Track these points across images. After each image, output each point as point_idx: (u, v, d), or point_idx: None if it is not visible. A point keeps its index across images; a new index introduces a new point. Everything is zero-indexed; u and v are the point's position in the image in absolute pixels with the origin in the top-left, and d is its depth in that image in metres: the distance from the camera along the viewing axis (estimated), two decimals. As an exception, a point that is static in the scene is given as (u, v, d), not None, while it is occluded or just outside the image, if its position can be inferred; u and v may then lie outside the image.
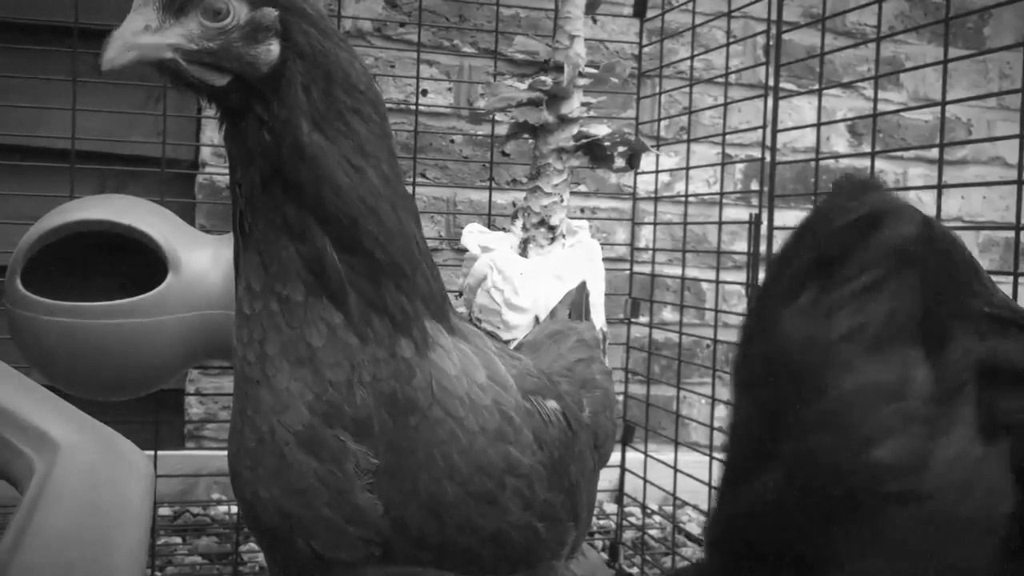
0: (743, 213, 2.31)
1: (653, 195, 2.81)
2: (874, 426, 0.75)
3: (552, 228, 2.13)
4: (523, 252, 2.12)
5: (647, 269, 2.74)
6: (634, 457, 2.65)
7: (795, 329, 0.79)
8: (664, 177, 2.93)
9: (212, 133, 2.70)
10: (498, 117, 2.45)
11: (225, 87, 1.13)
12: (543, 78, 2.12)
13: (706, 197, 3.00)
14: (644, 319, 2.73)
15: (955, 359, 0.81)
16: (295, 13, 1.13)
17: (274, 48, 1.12)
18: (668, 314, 3.08)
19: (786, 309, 0.80)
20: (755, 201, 2.70)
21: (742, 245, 2.59)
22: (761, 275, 2.11)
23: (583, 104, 2.16)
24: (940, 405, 0.78)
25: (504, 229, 2.21)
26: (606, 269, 2.20)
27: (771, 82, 2.09)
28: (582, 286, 1.87)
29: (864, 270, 0.78)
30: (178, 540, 2.55)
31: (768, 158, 2.12)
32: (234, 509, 2.62)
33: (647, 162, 2.66)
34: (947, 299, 0.98)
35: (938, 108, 1.68)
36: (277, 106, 1.12)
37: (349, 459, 1.10)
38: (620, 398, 2.71)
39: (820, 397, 0.77)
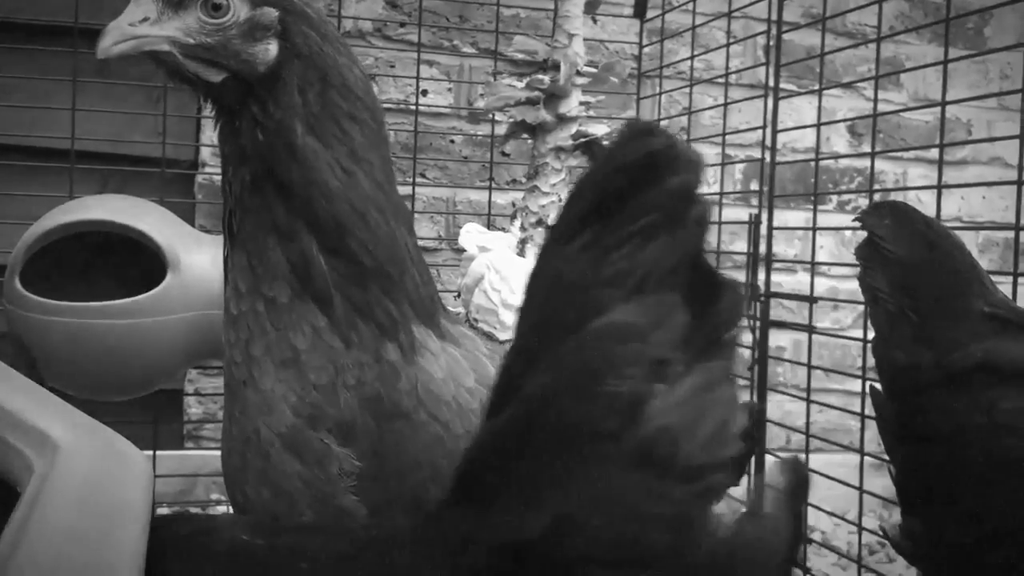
0: (743, 213, 2.30)
1: (653, 195, 2.81)
2: (604, 364, 0.74)
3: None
4: (521, 252, 2.12)
5: (647, 269, 2.74)
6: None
7: (563, 272, 0.78)
8: (664, 177, 2.93)
9: (212, 133, 2.68)
10: (497, 116, 2.45)
11: (221, 84, 1.13)
12: (540, 76, 2.12)
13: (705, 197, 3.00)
14: (644, 319, 2.73)
15: (722, 311, 0.80)
16: (296, 15, 1.13)
17: (272, 48, 1.12)
18: (668, 314, 3.07)
19: (560, 250, 0.79)
20: (755, 201, 2.70)
21: (742, 245, 2.59)
22: (761, 275, 2.10)
23: (582, 104, 2.16)
24: (693, 353, 0.77)
25: (504, 229, 2.21)
26: (606, 269, 2.19)
27: (771, 82, 2.09)
28: None
29: (640, 216, 0.76)
30: (177, 540, 2.55)
31: (768, 158, 2.12)
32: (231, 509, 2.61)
33: (647, 162, 2.66)
34: (947, 298, 0.98)
35: (938, 108, 1.68)
36: (272, 106, 1.11)
37: (333, 462, 1.10)
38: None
39: (568, 338, 0.76)
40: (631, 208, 0.76)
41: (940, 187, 1.72)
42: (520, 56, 2.45)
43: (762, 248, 2.11)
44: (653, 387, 0.74)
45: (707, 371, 0.77)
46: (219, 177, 2.77)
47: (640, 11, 2.70)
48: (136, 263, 1.89)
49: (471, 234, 2.12)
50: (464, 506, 0.82)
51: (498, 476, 0.79)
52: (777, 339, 2.98)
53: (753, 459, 2.10)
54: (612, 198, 0.77)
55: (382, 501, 1.10)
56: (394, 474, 1.11)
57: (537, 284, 0.82)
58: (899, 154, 3.26)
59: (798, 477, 0.82)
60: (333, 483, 1.10)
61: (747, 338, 2.15)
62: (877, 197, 2.95)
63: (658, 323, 0.75)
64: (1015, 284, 1.50)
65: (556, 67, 2.10)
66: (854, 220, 1.40)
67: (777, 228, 2.12)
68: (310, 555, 0.85)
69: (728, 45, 2.41)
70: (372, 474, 1.10)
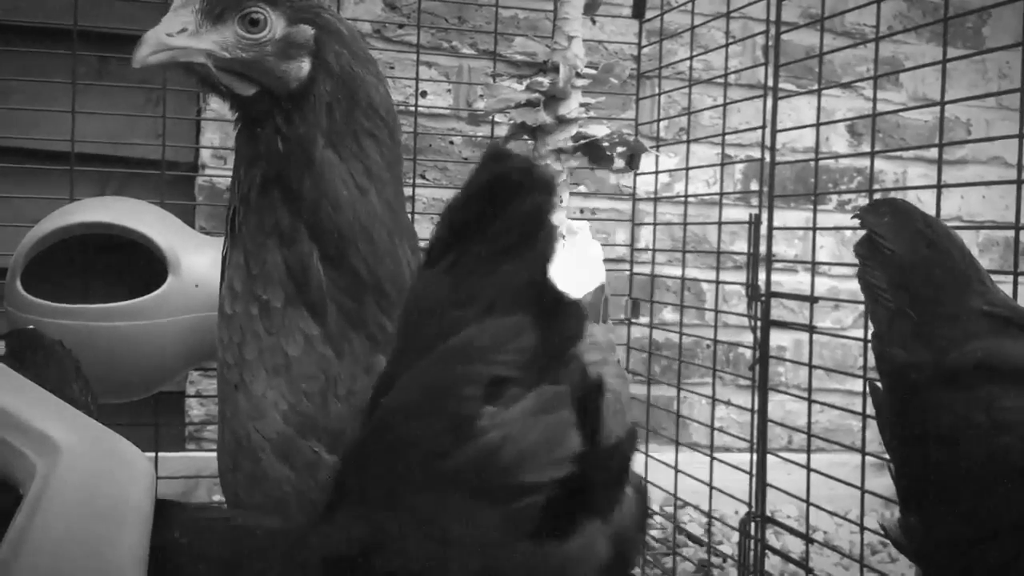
0: (743, 213, 2.31)
1: (653, 196, 2.81)
2: (446, 383, 0.77)
3: (552, 229, 2.12)
4: (523, 253, 2.12)
5: (647, 270, 2.74)
6: (635, 458, 2.64)
7: (423, 294, 0.81)
8: (664, 178, 2.93)
9: (212, 135, 2.70)
10: (497, 118, 2.46)
11: (251, 97, 1.13)
12: (540, 79, 2.12)
13: (706, 197, 3.00)
14: (644, 319, 2.74)
15: (563, 330, 0.81)
16: (330, 33, 1.13)
17: (305, 66, 1.12)
18: (668, 314, 3.08)
19: (424, 273, 0.82)
20: (755, 201, 2.70)
21: (742, 245, 2.59)
22: (761, 275, 2.11)
23: (582, 105, 2.16)
24: (536, 373, 0.78)
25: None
26: (606, 270, 2.20)
27: (770, 82, 2.09)
28: (600, 288, 1.85)
29: (496, 238, 0.78)
30: (179, 542, 2.55)
31: (767, 158, 2.12)
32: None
33: (646, 163, 2.66)
34: (946, 296, 0.99)
35: (937, 108, 1.68)
36: (298, 120, 1.12)
37: (323, 470, 1.10)
38: (620, 399, 2.71)
39: (422, 358, 0.78)
40: (489, 231, 0.79)
41: (940, 186, 1.72)
42: (519, 57, 2.46)
43: (762, 248, 2.12)
44: (484, 407, 0.76)
45: (544, 394, 0.78)
46: (219, 179, 2.78)
47: (639, 11, 2.70)
48: (137, 265, 1.89)
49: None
50: (321, 519, 0.87)
51: (342, 490, 0.84)
52: (778, 339, 2.98)
53: (756, 460, 2.11)
54: (472, 221, 0.80)
55: None
56: None
57: (405, 307, 0.86)
58: (898, 154, 3.26)
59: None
60: (323, 491, 1.10)
61: (748, 338, 2.15)
62: (877, 196, 2.95)
63: (502, 343, 0.77)
64: (1015, 283, 1.50)
65: (555, 69, 2.10)
66: (853, 218, 1.40)
67: (777, 228, 2.12)
68: (205, 553, 0.92)
69: (727, 45, 2.42)
70: None
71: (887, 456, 1.32)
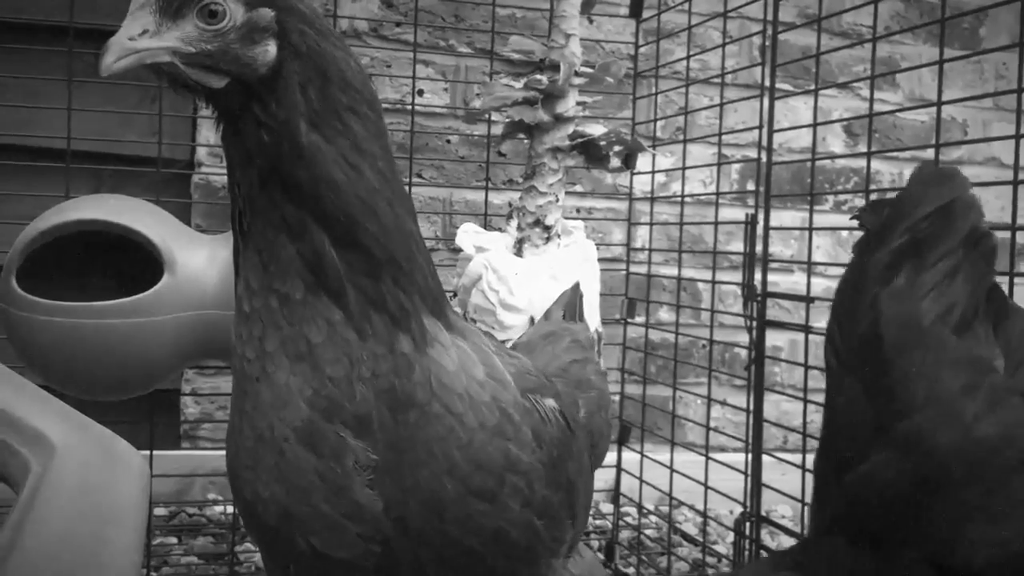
0: (739, 213, 2.31)
1: (649, 195, 2.81)
2: (975, 401, 0.81)
3: (547, 228, 2.13)
4: (518, 252, 2.12)
5: (643, 269, 2.74)
6: (630, 457, 2.65)
7: (892, 310, 0.87)
8: (660, 177, 2.94)
9: (208, 133, 2.70)
10: (494, 117, 2.45)
11: (223, 89, 1.13)
12: (538, 77, 2.12)
13: (702, 197, 3.00)
14: (640, 319, 2.74)
15: (1016, 333, 0.88)
16: (291, 13, 1.13)
17: (271, 49, 1.12)
18: (664, 314, 3.08)
19: (883, 290, 0.88)
20: (751, 201, 2.71)
21: (738, 245, 2.60)
22: (757, 275, 2.11)
23: (579, 104, 2.16)
24: (1012, 376, 0.85)
25: (500, 229, 2.21)
26: (602, 269, 2.20)
27: (767, 82, 2.09)
28: (576, 287, 1.87)
29: (945, 255, 0.88)
30: (174, 540, 2.55)
31: (764, 158, 2.12)
32: (230, 509, 2.61)
33: (643, 162, 2.66)
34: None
35: (934, 108, 1.68)
36: (275, 107, 1.11)
37: (349, 455, 1.10)
38: (616, 398, 2.71)
39: (921, 376, 0.82)
40: (938, 248, 0.89)
41: (936, 187, 1.72)
42: (516, 56, 2.46)
43: (758, 248, 2.11)
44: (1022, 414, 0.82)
45: None
46: (215, 177, 2.78)
47: (636, 11, 2.70)
48: (132, 263, 1.89)
49: (468, 234, 2.12)
50: (867, 544, 0.85)
51: (908, 521, 0.83)
52: (774, 339, 2.98)
53: (751, 460, 2.11)
54: (923, 239, 0.90)
55: (398, 495, 1.10)
56: (409, 466, 1.11)
57: (864, 321, 0.90)
58: (895, 154, 3.27)
59: None
60: (349, 476, 1.10)
61: (744, 338, 2.15)
62: (873, 197, 2.95)
63: (992, 354, 0.85)
64: (1011, 283, 1.50)
65: (554, 67, 2.10)
66: (851, 218, 1.40)
67: (773, 228, 2.12)
68: None
69: (724, 45, 2.41)
70: (388, 467, 1.10)
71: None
